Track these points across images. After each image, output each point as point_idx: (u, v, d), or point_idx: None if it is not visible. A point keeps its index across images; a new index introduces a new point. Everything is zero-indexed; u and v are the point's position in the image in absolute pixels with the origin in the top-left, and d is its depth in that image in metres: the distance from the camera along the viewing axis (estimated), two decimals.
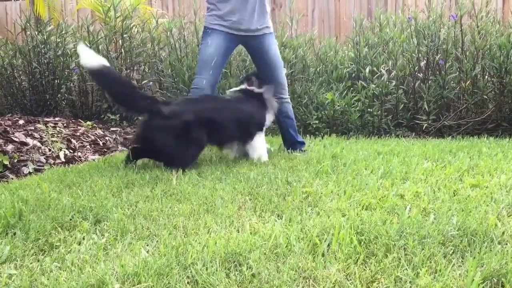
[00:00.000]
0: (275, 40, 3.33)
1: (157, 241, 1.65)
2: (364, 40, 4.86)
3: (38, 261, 1.51)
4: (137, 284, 1.29)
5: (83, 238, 1.69)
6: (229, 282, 1.32)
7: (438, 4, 4.86)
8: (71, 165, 3.24)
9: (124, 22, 5.18)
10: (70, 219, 1.85)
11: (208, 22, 3.13)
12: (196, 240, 1.61)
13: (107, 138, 4.30)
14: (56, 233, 1.72)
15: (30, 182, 2.50)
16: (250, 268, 1.39)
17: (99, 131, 4.45)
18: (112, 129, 4.71)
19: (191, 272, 1.37)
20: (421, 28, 4.60)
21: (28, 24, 5.32)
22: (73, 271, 1.39)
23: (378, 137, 4.18)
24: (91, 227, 1.79)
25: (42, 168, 3.18)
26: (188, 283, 1.33)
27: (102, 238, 1.68)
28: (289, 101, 3.45)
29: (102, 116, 5.21)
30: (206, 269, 1.38)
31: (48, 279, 1.34)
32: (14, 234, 1.72)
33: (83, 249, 1.57)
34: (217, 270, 1.37)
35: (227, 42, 3.12)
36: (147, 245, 1.62)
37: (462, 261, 1.46)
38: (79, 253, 1.54)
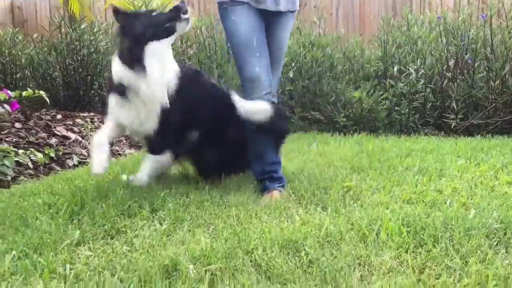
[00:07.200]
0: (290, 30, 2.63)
1: (213, 229, 1.77)
2: (392, 38, 4.90)
3: (108, 244, 1.63)
4: (207, 266, 1.40)
5: (144, 225, 1.81)
6: (290, 265, 1.42)
7: (466, 3, 4.87)
8: (112, 158, 3.37)
9: None
10: (128, 207, 1.98)
11: None
12: (250, 229, 1.72)
13: None
14: (119, 220, 1.84)
15: (81, 173, 2.64)
16: (307, 254, 1.49)
17: None
18: None
19: (253, 256, 1.47)
20: (451, 27, 4.62)
21: (63, 22, 5.50)
22: (143, 253, 1.51)
23: (406, 135, 4.23)
24: (150, 215, 1.91)
25: (86, 160, 3.33)
26: (252, 266, 1.43)
27: (162, 225, 1.80)
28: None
29: None
30: (267, 254, 1.48)
31: (124, 260, 1.46)
32: (79, 220, 1.85)
33: (147, 234, 1.69)
34: (277, 256, 1.48)
35: (256, 16, 2.34)
36: (205, 232, 1.73)
37: (506, 252, 1.53)
38: (145, 238, 1.66)
